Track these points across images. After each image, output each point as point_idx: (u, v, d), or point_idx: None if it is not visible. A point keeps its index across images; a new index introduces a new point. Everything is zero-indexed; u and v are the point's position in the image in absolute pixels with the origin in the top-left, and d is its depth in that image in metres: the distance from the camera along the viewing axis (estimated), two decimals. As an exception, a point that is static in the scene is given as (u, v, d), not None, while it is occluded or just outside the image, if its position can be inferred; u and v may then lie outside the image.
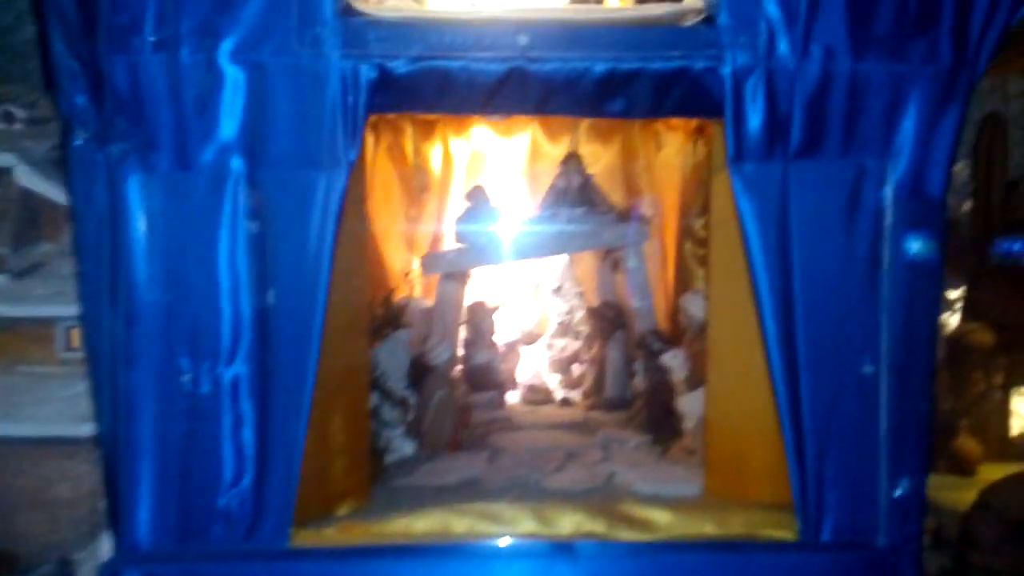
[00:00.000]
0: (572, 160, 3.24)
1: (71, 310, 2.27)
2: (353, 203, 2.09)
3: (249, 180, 1.94)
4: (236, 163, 1.94)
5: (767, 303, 2.01)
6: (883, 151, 2.00)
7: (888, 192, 2.01)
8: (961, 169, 3.47)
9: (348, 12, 1.96)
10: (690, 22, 2.02)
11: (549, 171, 3.49)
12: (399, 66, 1.96)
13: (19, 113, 2.90)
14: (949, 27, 1.97)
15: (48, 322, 2.53)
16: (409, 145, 3.71)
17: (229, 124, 1.94)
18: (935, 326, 2.13)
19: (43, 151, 2.74)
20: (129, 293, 1.97)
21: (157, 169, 1.94)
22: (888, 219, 2.01)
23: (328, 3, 1.91)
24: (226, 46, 1.91)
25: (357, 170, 2.02)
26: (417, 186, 3.73)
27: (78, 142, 1.99)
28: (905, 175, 2.00)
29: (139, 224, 1.96)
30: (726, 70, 1.97)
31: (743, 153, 1.99)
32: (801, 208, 1.99)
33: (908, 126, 2.00)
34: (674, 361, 2.61)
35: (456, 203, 3.67)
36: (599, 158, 3.67)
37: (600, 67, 1.99)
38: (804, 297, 2.00)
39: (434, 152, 3.76)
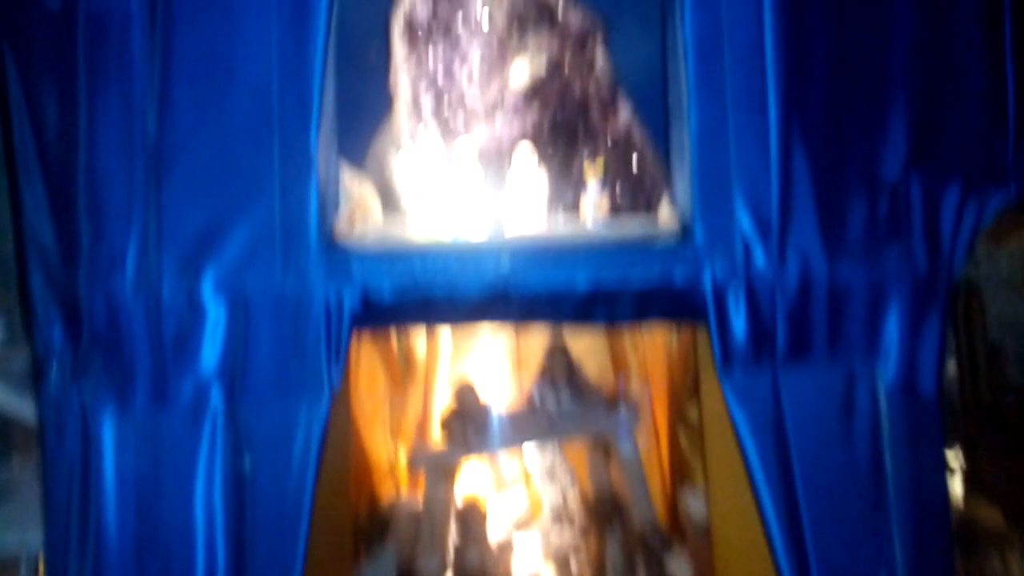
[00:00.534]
0: (558, 354, 3.23)
1: (39, 536, 2.13)
2: (337, 406, 2.02)
3: (228, 414, 1.89)
4: (215, 397, 1.88)
5: (772, 517, 1.93)
6: (871, 355, 1.99)
7: (881, 396, 1.98)
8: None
9: (332, 242, 1.98)
10: (665, 238, 2.07)
11: (536, 352, 3.46)
12: (383, 293, 1.95)
13: (-3, 323, 2.85)
14: (921, 232, 2.02)
15: (14, 550, 2.38)
16: (393, 332, 3.69)
17: (209, 357, 1.89)
18: (949, 529, 2.05)
19: (20, 364, 2.67)
20: (98, 537, 1.85)
21: (133, 406, 1.88)
22: (884, 423, 1.97)
23: (313, 234, 1.93)
24: (208, 278, 1.90)
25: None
26: (402, 373, 3.69)
27: (51, 376, 1.94)
28: (896, 377, 1.99)
29: (112, 463, 1.87)
30: (706, 283, 1.99)
31: (731, 362, 1.97)
32: (796, 416, 1.95)
33: (892, 329, 2.00)
34: (679, 567, 2.47)
35: (442, 389, 3.61)
36: (583, 339, 3.66)
37: (582, 286, 2.00)
38: (809, 509, 1.92)
39: (418, 338, 3.75)
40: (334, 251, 1.96)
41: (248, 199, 1.89)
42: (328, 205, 2.00)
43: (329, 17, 1.91)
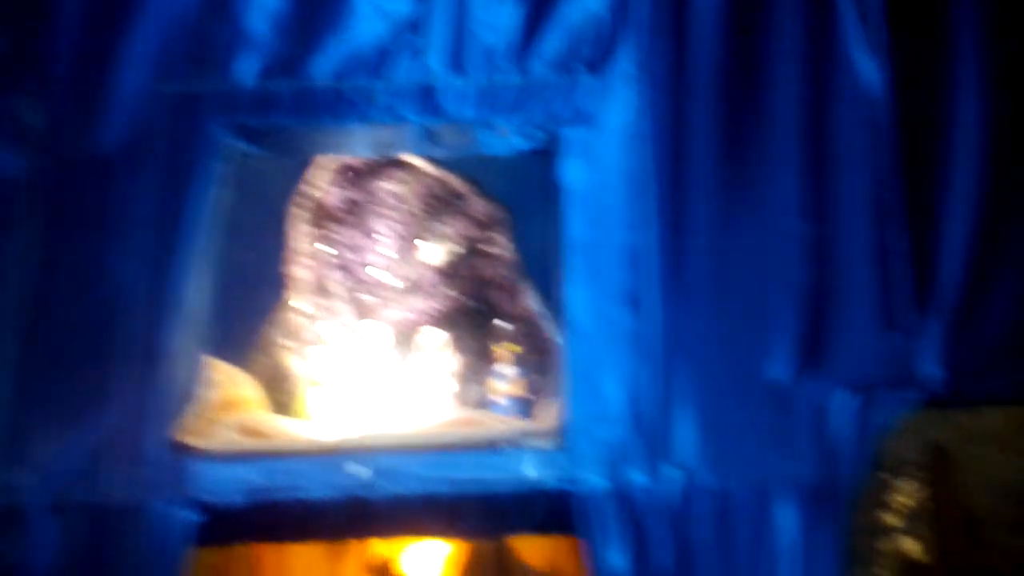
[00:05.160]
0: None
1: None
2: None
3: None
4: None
5: None
6: (758, 567, 1.82)
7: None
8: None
9: (176, 449, 1.87)
10: (543, 441, 1.94)
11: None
12: (229, 504, 1.83)
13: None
14: (809, 440, 1.87)
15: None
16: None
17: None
18: None
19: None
20: None
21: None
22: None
23: (154, 440, 1.83)
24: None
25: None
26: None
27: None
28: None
29: None
30: (580, 495, 1.85)
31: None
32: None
33: (782, 540, 1.83)
34: None
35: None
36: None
37: (443, 490, 1.87)
38: None
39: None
40: (175, 459, 1.84)
41: (87, 404, 1.83)
42: (181, 408, 1.91)
43: (204, 215, 1.94)
